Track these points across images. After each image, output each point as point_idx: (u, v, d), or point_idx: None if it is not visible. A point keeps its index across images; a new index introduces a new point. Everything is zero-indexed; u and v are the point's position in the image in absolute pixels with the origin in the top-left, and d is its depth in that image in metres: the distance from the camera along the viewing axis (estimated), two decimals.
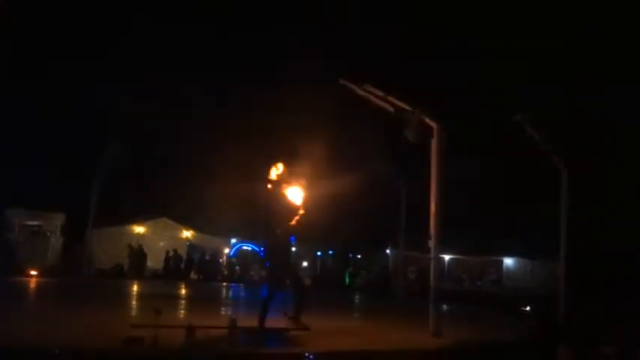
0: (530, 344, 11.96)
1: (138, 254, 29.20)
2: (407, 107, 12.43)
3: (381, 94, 12.75)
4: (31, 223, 28.01)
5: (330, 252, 38.21)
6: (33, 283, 21.84)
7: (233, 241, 34.56)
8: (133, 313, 14.08)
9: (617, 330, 11.92)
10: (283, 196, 10.77)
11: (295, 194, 10.89)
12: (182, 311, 15.20)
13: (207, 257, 32.15)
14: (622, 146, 26.80)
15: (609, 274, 26.04)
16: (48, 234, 27.90)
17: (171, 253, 30.26)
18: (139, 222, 31.52)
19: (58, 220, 28.56)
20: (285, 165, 11.05)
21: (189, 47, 33.03)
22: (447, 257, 34.36)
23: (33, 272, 24.74)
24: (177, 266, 30.25)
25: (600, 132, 25.59)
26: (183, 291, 22.47)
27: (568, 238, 16.55)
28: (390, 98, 12.69)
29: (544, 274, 29.64)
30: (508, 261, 34.38)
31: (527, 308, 19.11)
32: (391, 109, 12.68)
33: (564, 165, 15.55)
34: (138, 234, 31.15)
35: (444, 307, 19.24)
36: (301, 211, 10.83)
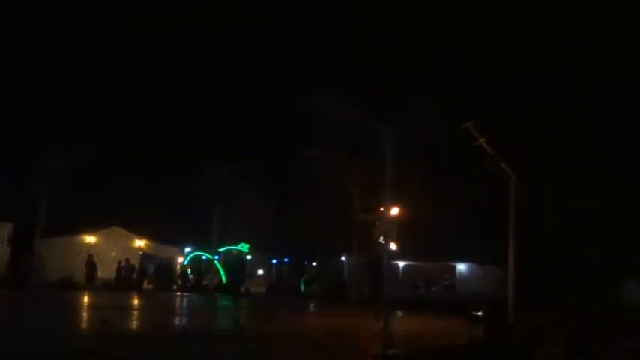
0: (480, 347, 12.13)
1: (89, 264, 28.58)
2: None
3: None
4: None
5: (286, 259, 38.13)
6: None
7: (187, 249, 34.16)
8: (81, 324, 13.78)
9: (562, 330, 12.23)
10: None
11: None
12: (134, 321, 14.96)
13: (161, 266, 31.66)
14: (570, 152, 27.47)
15: (557, 275, 26.67)
16: None
17: (123, 263, 29.69)
18: (90, 231, 30.86)
19: (5, 229, 27.79)
20: None
21: None
22: (401, 263, 34.61)
23: None
24: (129, 276, 29.69)
25: (549, 138, 26.19)
26: (135, 301, 22.10)
27: (518, 242, 16.89)
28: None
29: (496, 278, 30.10)
30: (461, 266, 34.81)
31: (479, 313, 19.38)
32: None
33: (513, 171, 15.86)
34: (89, 244, 30.48)
35: (399, 312, 19.46)
36: None
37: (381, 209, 15.86)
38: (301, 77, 30.27)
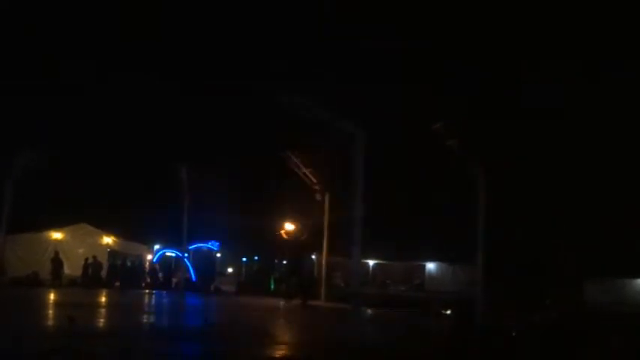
0: (447, 344, 12.23)
1: (55, 261, 28.14)
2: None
3: None
4: None
5: (256, 258, 38.02)
6: None
7: (156, 247, 33.85)
8: (47, 322, 13.57)
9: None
10: None
11: None
12: (101, 319, 14.78)
13: (129, 264, 31.34)
14: (538, 150, 27.86)
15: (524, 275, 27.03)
16: None
17: (90, 260, 29.28)
18: (56, 228, 30.36)
19: None
20: None
21: None
22: (371, 262, 34.77)
23: None
24: (97, 274, 29.30)
25: (518, 137, 26.52)
26: (102, 299, 21.84)
27: (486, 241, 17.10)
28: None
29: (464, 277, 30.42)
30: (430, 266, 35.10)
31: (448, 312, 19.58)
32: None
33: (481, 171, 16.05)
34: (55, 240, 29.99)
35: (368, 311, 19.58)
36: None
37: None
38: (276, 75, 30.15)
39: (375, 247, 29.65)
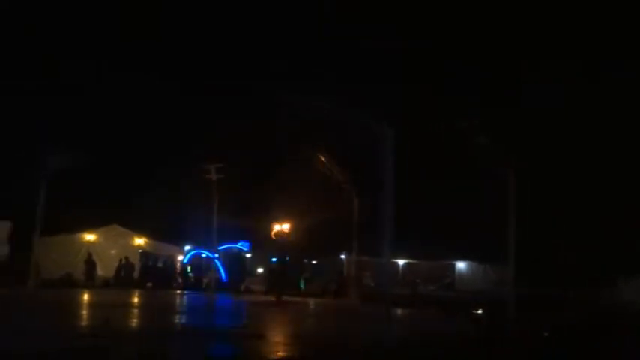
0: (479, 344, 12.13)
1: (88, 262, 28.57)
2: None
3: None
4: None
5: (286, 258, 38.06)
6: None
7: (187, 247, 34.15)
8: (81, 322, 13.78)
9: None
10: None
11: None
12: (134, 319, 14.96)
13: (160, 264, 31.67)
14: (568, 149, 27.55)
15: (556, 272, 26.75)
16: None
17: (123, 261, 29.68)
18: (89, 229, 30.82)
19: (4, 228, 27.67)
20: None
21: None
22: (401, 262, 34.66)
23: None
24: (129, 274, 29.69)
25: (548, 137, 26.25)
26: (135, 299, 22.11)
27: (516, 241, 16.94)
28: None
29: (495, 277, 30.19)
30: (460, 265, 34.87)
31: (480, 311, 19.40)
32: None
33: (511, 170, 15.89)
34: (88, 241, 30.46)
35: (398, 310, 19.49)
36: None
37: None
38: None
39: (405, 247, 29.54)
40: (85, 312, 17.15)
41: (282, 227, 29.55)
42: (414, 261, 34.77)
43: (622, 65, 25.32)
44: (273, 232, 29.92)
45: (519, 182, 16.39)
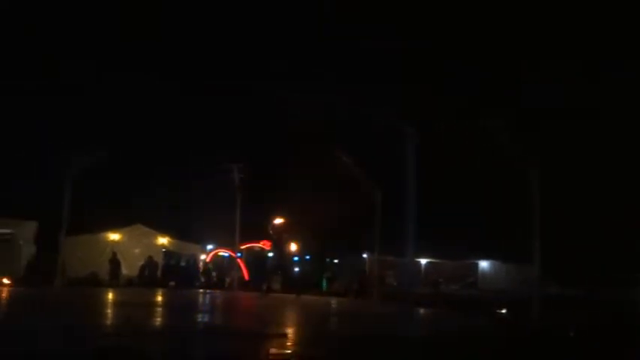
0: (504, 344, 12.05)
1: (113, 261, 28.86)
2: None
3: None
4: (1, 231, 27.47)
5: (307, 257, 38.17)
6: (5, 293, 21.53)
7: (209, 247, 34.39)
8: (105, 321, 13.92)
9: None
10: None
11: None
12: (158, 318, 15.07)
13: (183, 264, 31.90)
14: (593, 147, 27.25)
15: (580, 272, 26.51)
16: (20, 242, 27.41)
17: (147, 260, 29.94)
18: (113, 229, 31.14)
19: (30, 228, 28.06)
20: None
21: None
22: (423, 261, 34.53)
23: (5, 281, 24.40)
24: (153, 273, 29.95)
25: (572, 136, 25.99)
26: (159, 298, 22.29)
27: (541, 240, 16.77)
28: None
29: (518, 276, 29.94)
30: (484, 264, 34.65)
31: (504, 311, 19.29)
32: None
33: (535, 168, 15.75)
34: (112, 241, 30.77)
35: (421, 310, 19.44)
36: None
37: None
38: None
39: (428, 246, 29.43)
40: (110, 311, 17.33)
41: (277, 222, 29.76)
42: (437, 260, 34.63)
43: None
44: (270, 228, 30.12)
45: (544, 180, 16.24)
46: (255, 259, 31.98)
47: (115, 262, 28.77)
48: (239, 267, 30.53)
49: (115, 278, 28.38)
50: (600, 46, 26.48)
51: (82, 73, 29.09)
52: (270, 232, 30.23)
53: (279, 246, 30.74)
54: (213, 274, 31.98)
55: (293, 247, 32.91)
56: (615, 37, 26.01)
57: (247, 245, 32.01)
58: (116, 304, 19.58)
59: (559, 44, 26.81)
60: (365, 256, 33.56)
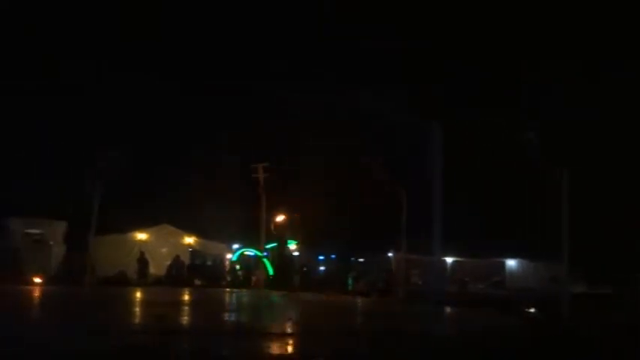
0: (533, 344, 11.96)
1: (141, 261, 29.15)
2: None
3: None
4: (32, 231, 27.92)
5: (333, 256, 38.18)
6: (37, 291, 21.92)
7: (235, 246, 34.55)
8: (135, 319, 14.11)
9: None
10: None
11: None
12: (187, 317, 15.22)
13: (210, 263, 32.11)
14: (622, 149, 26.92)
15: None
16: (50, 242, 27.84)
17: (174, 260, 30.20)
18: (140, 229, 31.46)
19: (60, 228, 28.49)
20: None
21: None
22: (449, 260, 34.31)
23: (37, 280, 24.81)
24: (179, 272, 30.21)
25: (600, 135, 25.70)
26: (186, 297, 22.49)
27: (570, 239, 16.63)
28: None
29: (547, 275, 29.61)
30: (511, 263, 34.35)
31: (532, 310, 19.12)
32: None
33: (564, 167, 15.61)
34: (140, 241, 31.09)
35: (447, 309, 19.35)
36: None
37: None
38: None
39: (454, 244, 29.25)
40: (139, 310, 17.55)
41: (279, 219, 29.89)
42: (463, 259, 34.39)
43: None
44: (272, 225, 30.23)
45: (572, 179, 16.09)
46: (281, 259, 32.10)
47: (142, 262, 29.06)
48: (264, 266, 30.66)
49: (143, 277, 28.67)
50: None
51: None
52: (273, 229, 30.36)
53: (280, 243, 30.91)
54: (239, 273, 32.14)
55: (293, 245, 33.05)
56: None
57: (273, 244, 32.10)
58: (147, 303, 19.80)
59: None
60: (390, 255, 33.46)
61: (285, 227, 30.18)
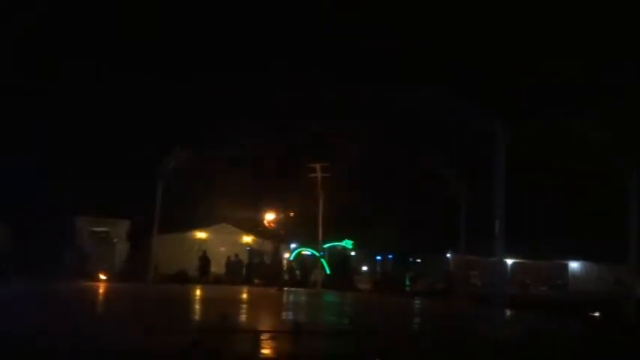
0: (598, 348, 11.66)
1: (203, 259, 29.65)
2: None
3: None
4: (98, 229, 28.85)
5: (390, 256, 38.07)
6: (103, 288, 22.61)
7: (293, 245, 34.83)
8: (198, 317, 14.40)
9: None
10: None
11: None
12: (247, 315, 15.45)
13: (267, 262, 32.42)
14: None
15: None
16: (115, 240, 28.70)
17: (232, 258, 30.64)
18: (200, 228, 32.06)
19: (124, 226, 29.32)
20: None
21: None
22: (510, 261, 33.71)
23: (102, 277, 25.60)
24: (238, 271, 30.62)
25: None
26: (246, 295, 22.80)
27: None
28: None
29: (611, 277, 28.77)
30: (574, 265, 33.53)
31: (597, 314, 18.60)
32: None
33: (634, 166, 15.14)
34: (200, 239, 31.68)
35: (508, 312, 19.02)
36: None
37: None
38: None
39: (515, 246, 28.75)
40: (202, 307, 17.89)
41: (271, 218, 29.80)
42: (524, 260, 33.73)
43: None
44: (266, 223, 30.16)
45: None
46: (338, 259, 32.18)
47: (204, 260, 29.58)
48: (322, 266, 30.78)
49: (204, 275, 29.18)
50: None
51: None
52: (266, 225, 30.38)
53: (274, 242, 30.92)
54: (297, 272, 32.36)
55: (293, 244, 33.07)
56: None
57: (330, 244, 32.21)
58: (208, 300, 20.18)
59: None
60: (448, 255, 33.12)
61: (280, 225, 30.25)
